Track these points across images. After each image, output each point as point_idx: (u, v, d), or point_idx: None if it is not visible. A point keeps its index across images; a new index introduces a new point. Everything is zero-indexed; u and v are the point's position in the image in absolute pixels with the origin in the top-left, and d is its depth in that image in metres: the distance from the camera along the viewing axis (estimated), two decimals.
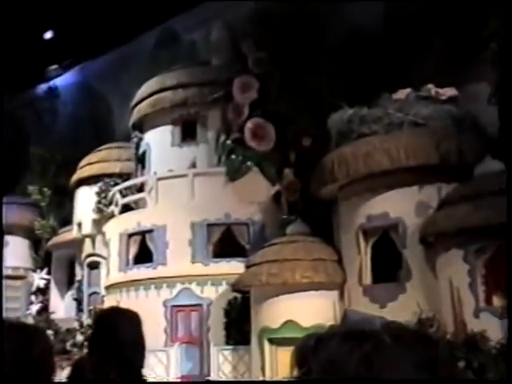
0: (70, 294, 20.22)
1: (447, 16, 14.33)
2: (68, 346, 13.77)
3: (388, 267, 12.62)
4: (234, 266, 15.39)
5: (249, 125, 16.21)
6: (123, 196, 17.58)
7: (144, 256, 16.47)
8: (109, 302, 17.13)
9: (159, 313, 15.58)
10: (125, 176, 19.20)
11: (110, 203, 18.35)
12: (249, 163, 16.04)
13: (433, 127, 12.19)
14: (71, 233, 20.40)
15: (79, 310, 19.25)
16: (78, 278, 20.08)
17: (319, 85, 15.59)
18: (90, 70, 23.34)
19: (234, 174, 15.98)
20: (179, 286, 15.63)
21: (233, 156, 16.21)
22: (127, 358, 2.28)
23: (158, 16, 21.40)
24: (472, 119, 12.53)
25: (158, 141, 17.72)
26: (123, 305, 16.07)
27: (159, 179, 16.64)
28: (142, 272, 16.21)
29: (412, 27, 15.05)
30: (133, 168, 19.20)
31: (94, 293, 19.34)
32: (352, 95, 14.64)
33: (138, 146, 18.56)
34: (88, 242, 19.60)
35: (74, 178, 20.21)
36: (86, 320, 14.62)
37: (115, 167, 19.24)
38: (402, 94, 12.94)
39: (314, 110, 15.77)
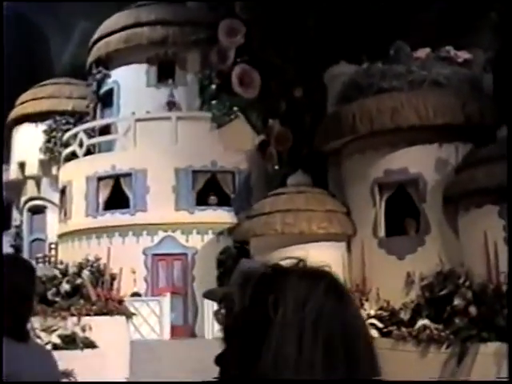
0: (7, 241, 18.48)
1: None
2: (49, 295, 12.62)
3: (399, 221, 13.01)
4: (220, 215, 15.03)
5: (236, 70, 15.69)
6: (90, 137, 16.28)
7: (116, 201, 15.50)
8: (69, 248, 15.98)
9: (139, 261, 14.83)
10: (77, 115, 17.82)
11: (66, 144, 16.93)
12: (235, 109, 15.57)
13: (456, 88, 12.59)
14: (7, 173, 18.55)
15: None
16: (15, 223, 18.42)
17: (314, 34, 15.40)
18: None
19: (220, 120, 15.43)
20: (161, 234, 14.94)
21: (217, 101, 15.63)
22: None
23: None
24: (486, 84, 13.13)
25: (131, 80, 16.54)
26: (92, 251, 15.07)
27: (138, 120, 15.61)
28: (117, 218, 15.27)
29: None
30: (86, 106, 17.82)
31: (37, 239, 17.93)
32: (349, 48, 14.70)
33: (100, 83, 17.19)
34: (31, 184, 18.00)
35: (14, 113, 18.32)
36: (72, 268, 13.49)
37: (67, 105, 17.77)
38: (421, 52, 13.17)
39: (306, 60, 15.61)
